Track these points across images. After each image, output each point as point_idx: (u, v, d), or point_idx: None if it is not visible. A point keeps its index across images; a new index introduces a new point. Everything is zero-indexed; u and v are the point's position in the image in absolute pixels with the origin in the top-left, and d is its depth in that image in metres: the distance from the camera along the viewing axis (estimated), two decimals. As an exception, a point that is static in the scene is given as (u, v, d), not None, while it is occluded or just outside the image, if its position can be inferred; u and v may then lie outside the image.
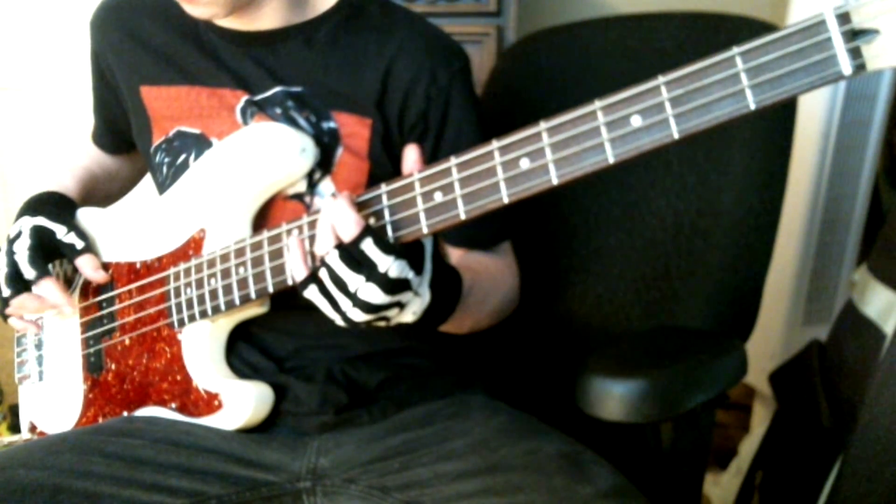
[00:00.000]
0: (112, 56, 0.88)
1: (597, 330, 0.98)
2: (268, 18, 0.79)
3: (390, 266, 0.60)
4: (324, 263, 0.62)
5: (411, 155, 0.63)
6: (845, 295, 1.37)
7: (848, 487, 0.92)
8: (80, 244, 0.82)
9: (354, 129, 0.79)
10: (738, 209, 0.87)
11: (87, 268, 0.83)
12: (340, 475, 0.74)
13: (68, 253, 0.83)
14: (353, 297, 0.62)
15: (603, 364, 0.70)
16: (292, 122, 0.79)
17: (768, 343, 1.53)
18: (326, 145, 0.78)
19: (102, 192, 0.98)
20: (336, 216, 0.62)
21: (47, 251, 0.82)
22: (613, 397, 0.66)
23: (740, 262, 0.88)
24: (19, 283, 0.81)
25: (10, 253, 0.81)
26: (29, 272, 0.80)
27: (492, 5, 1.55)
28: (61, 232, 0.82)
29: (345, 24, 0.81)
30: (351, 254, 0.61)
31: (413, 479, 0.70)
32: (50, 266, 0.85)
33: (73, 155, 1.00)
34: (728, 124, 0.51)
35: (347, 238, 0.61)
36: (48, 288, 0.81)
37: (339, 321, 0.64)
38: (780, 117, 0.88)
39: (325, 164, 0.78)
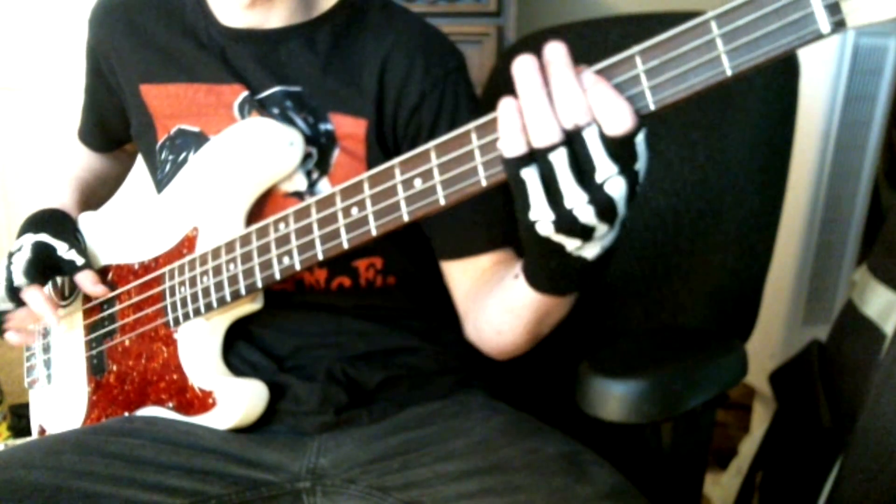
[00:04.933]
0: (112, 53, 0.88)
1: (597, 330, 0.98)
2: (277, 16, 0.80)
3: (643, 168, 0.52)
4: (572, 139, 0.51)
5: None
6: (845, 295, 1.36)
7: (848, 487, 0.92)
8: (79, 261, 0.84)
9: (350, 131, 0.78)
10: (738, 209, 0.87)
11: (87, 283, 0.84)
12: (340, 475, 0.74)
13: (68, 269, 0.84)
14: (594, 190, 0.52)
15: (603, 364, 0.70)
16: (290, 123, 0.78)
17: (768, 343, 1.53)
18: (323, 146, 0.78)
19: (94, 197, 1.00)
20: (602, 98, 0.51)
21: (47, 266, 0.84)
22: (613, 397, 0.66)
23: (740, 262, 0.88)
24: (18, 298, 0.83)
25: (9, 265, 0.83)
26: (20, 280, 0.82)
27: (492, 5, 1.55)
28: (62, 249, 0.84)
29: (346, 25, 0.81)
30: (619, 141, 0.50)
31: (413, 479, 0.70)
32: (59, 279, 0.87)
33: (66, 165, 1.01)
34: (704, 93, 0.49)
35: (619, 129, 0.50)
36: (32, 296, 0.82)
37: (547, 220, 0.53)
38: (780, 116, 0.87)
39: (322, 165, 0.78)
